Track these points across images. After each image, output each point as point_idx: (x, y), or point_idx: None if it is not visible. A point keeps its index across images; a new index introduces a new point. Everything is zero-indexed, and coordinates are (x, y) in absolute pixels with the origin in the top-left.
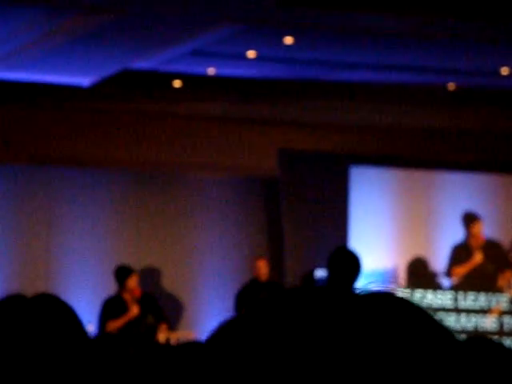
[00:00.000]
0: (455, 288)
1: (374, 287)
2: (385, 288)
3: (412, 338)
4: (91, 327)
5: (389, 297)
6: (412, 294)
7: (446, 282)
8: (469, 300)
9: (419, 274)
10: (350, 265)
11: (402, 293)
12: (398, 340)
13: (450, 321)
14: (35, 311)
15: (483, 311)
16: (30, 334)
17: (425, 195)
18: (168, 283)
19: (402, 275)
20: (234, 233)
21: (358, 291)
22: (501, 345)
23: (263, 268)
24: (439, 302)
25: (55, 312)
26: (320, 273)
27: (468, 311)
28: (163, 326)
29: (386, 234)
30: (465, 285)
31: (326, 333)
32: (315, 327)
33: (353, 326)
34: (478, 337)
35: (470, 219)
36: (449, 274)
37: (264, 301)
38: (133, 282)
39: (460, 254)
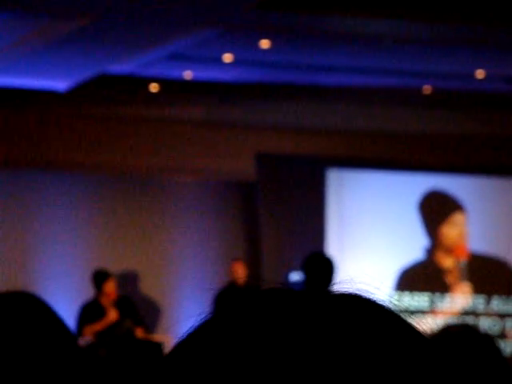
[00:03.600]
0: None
1: (344, 289)
2: (355, 290)
3: (376, 339)
4: None
5: (355, 298)
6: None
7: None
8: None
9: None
10: (324, 269)
11: (374, 295)
12: (360, 340)
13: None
14: (14, 306)
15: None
16: (12, 332)
17: (402, 198)
18: (145, 287)
19: (380, 278)
20: (212, 236)
21: (325, 292)
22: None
23: (240, 271)
24: (416, 304)
25: (34, 308)
26: (297, 276)
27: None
28: (140, 330)
29: (363, 237)
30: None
31: (287, 334)
32: (276, 327)
33: (315, 327)
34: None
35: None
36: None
37: (226, 306)
38: (110, 286)
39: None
